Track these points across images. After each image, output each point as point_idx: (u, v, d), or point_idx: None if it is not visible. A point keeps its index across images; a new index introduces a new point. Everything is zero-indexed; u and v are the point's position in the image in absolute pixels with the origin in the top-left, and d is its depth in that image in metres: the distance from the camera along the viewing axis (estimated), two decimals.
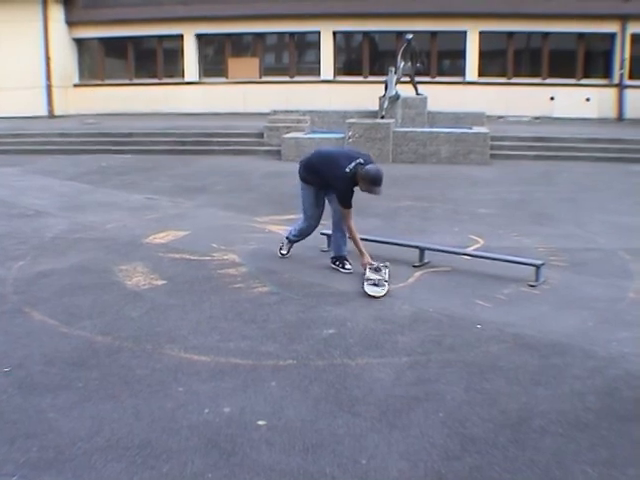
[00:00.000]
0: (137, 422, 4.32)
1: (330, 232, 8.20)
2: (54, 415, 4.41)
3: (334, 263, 7.82)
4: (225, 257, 8.27)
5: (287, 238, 8.23)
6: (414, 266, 7.81)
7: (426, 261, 7.91)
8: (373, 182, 7.17)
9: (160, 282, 7.32)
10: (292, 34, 26.29)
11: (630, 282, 7.34)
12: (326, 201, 7.87)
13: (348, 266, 7.70)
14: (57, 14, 26.00)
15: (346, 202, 7.36)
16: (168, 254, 8.42)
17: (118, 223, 10.16)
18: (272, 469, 3.82)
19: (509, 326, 6.02)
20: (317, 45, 25.99)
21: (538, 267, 7.26)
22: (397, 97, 18.68)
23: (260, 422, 4.32)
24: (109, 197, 12.44)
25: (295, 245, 8.24)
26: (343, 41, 27.04)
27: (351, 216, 7.42)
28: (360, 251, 7.47)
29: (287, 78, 26.13)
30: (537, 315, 6.35)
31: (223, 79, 26.42)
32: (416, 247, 8.03)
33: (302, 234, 8.11)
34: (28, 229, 9.85)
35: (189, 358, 5.34)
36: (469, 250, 8.36)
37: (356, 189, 7.40)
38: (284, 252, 8.21)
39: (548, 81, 24.70)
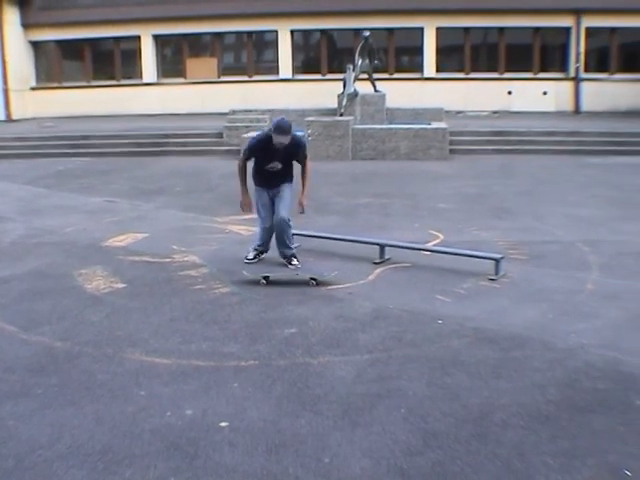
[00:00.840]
0: (98, 427, 4.28)
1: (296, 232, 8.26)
2: (13, 423, 4.36)
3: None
4: (185, 258, 8.24)
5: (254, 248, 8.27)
6: (374, 263, 7.83)
7: (386, 257, 7.93)
8: (274, 129, 7.50)
9: (120, 285, 7.27)
10: (250, 33, 26.21)
11: (588, 274, 7.42)
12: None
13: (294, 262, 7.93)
14: (12, 17, 25.70)
15: (243, 151, 8.02)
16: (128, 257, 8.37)
17: (77, 227, 10.08)
18: (235, 470, 3.81)
19: (469, 320, 6.05)
20: (275, 44, 25.94)
21: (497, 261, 7.31)
22: (355, 94, 18.71)
23: (222, 424, 4.31)
24: (67, 201, 12.33)
25: (254, 244, 8.21)
26: (301, 39, 27.03)
27: (240, 164, 7.93)
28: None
29: (246, 77, 26.07)
30: (497, 309, 6.40)
31: (181, 80, 26.27)
32: (376, 244, 8.05)
33: (262, 239, 8.16)
34: None
35: (150, 361, 5.31)
36: (429, 245, 8.41)
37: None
38: (250, 257, 8.14)
39: (505, 75, 24.88)
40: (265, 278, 7.24)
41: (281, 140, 7.49)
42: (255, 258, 8.10)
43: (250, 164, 7.83)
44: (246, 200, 7.99)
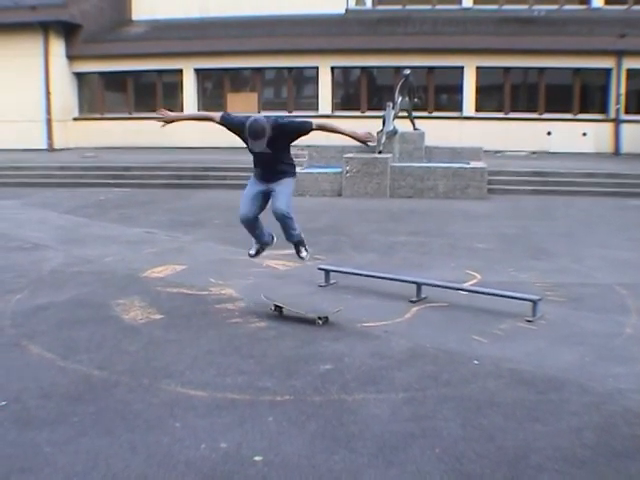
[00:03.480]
0: (133, 457, 4.31)
1: (327, 267, 8.24)
2: (50, 449, 4.40)
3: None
4: (223, 291, 8.28)
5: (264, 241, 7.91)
6: (411, 301, 7.81)
7: (423, 296, 7.91)
8: (249, 133, 6.79)
9: (157, 316, 7.32)
10: (290, 69, 26.47)
11: (627, 317, 7.34)
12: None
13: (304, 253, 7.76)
14: (58, 49, 26.22)
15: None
16: (166, 288, 8.43)
17: (116, 257, 10.18)
18: None
19: (506, 361, 6.01)
20: (315, 80, 26.17)
21: (535, 302, 7.26)
22: (395, 132, 18.78)
23: (257, 458, 4.31)
24: (107, 230, 12.47)
25: (292, 280, 8.24)
26: (341, 76, 27.23)
27: (211, 115, 7.68)
28: None
29: (286, 113, 26.23)
30: (534, 350, 6.35)
31: None
32: (413, 282, 8.03)
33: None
34: (26, 262, 9.86)
35: (186, 393, 5.34)
36: (466, 285, 8.38)
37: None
38: (252, 252, 7.94)
39: (545, 116, 24.85)
40: (278, 308, 7.27)
41: (257, 147, 6.83)
42: (258, 253, 7.90)
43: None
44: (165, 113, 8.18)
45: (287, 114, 26.03)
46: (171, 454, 4.35)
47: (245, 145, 7.10)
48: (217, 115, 7.42)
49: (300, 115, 25.27)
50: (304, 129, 7.06)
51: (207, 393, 5.33)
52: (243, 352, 6.24)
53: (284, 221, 7.28)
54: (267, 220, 7.52)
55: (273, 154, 7.01)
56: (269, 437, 4.58)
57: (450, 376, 5.70)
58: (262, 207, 7.42)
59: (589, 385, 5.51)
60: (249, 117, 6.89)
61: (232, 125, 7.20)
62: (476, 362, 6.01)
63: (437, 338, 6.64)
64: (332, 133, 7.48)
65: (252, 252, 7.90)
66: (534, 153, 23.69)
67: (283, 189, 7.24)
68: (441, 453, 4.38)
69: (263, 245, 7.81)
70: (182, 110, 26.49)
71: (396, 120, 18.95)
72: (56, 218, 13.95)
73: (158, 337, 6.66)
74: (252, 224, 7.48)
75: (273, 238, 7.84)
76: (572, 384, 5.53)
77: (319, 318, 7.03)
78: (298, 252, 7.72)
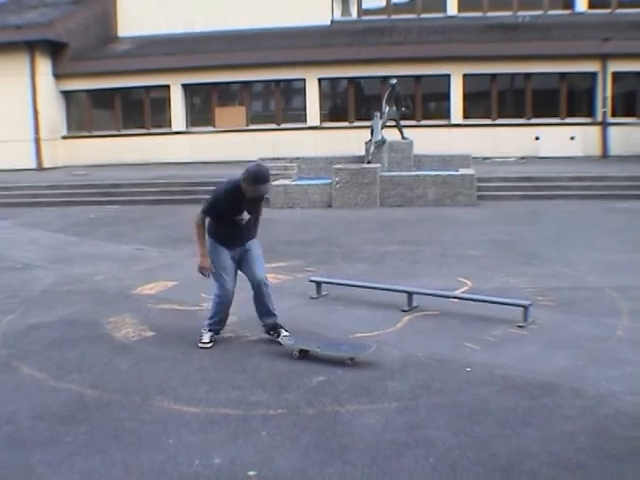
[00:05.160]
0: (126, 476, 4.30)
1: (319, 279, 8.22)
2: (43, 470, 4.39)
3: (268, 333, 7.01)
4: None
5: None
6: (403, 311, 7.81)
7: (414, 305, 7.92)
8: (254, 180, 6.36)
9: (149, 333, 7.32)
10: (278, 82, 26.50)
11: (618, 320, 7.36)
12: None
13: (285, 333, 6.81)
14: (44, 67, 26.22)
15: (205, 206, 6.72)
16: (157, 305, 8.43)
17: (107, 275, 10.17)
18: None
19: (498, 368, 6.02)
20: (302, 92, 26.20)
21: (526, 307, 7.28)
22: (383, 142, 18.83)
23: (251, 472, 4.30)
24: (97, 248, 12.46)
25: (283, 293, 8.19)
26: (328, 87, 27.27)
27: (199, 222, 6.74)
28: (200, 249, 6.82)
29: (274, 126, 26.29)
30: (526, 356, 6.36)
31: (210, 128, 26.54)
32: (404, 292, 8.04)
33: (220, 313, 6.96)
34: (17, 282, 9.85)
35: (179, 409, 5.33)
36: (457, 293, 8.39)
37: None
38: (206, 340, 6.88)
39: (532, 121, 24.91)
40: (301, 351, 6.43)
41: (263, 190, 6.48)
42: (211, 342, 6.83)
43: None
44: (207, 262, 6.80)
45: (275, 126, 26.12)
46: (164, 471, 4.34)
47: (226, 216, 6.65)
48: (204, 214, 6.74)
49: (288, 128, 25.41)
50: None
51: (200, 409, 5.33)
52: (235, 367, 6.24)
53: (265, 291, 6.85)
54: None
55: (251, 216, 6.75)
56: (263, 451, 4.58)
57: (443, 384, 5.71)
58: None
59: (581, 389, 5.52)
60: (229, 184, 6.64)
61: (225, 203, 6.60)
62: (468, 369, 6.02)
63: (429, 347, 6.64)
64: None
65: (205, 339, 6.88)
66: (523, 158, 23.74)
67: (257, 252, 6.91)
68: (435, 462, 4.38)
69: (274, 320, 6.97)
70: (170, 126, 26.57)
71: (384, 130, 19.01)
72: (47, 237, 13.93)
73: (150, 354, 6.65)
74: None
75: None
76: (564, 388, 5.54)
77: (350, 359, 6.22)
78: (278, 334, 6.81)
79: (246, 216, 6.62)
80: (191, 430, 4.94)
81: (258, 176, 6.35)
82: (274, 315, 6.90)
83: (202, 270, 6.84)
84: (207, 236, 6.77)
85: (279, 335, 6.76)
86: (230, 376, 6.02)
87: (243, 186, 6.44)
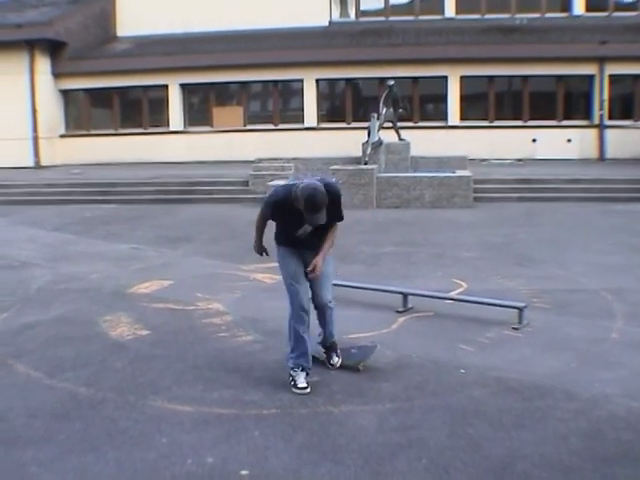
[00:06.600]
0: (119, 474, 4.30)
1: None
2: (36, 469, 4.39)
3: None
4: (210, 306, 8.27)
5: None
6: (397, 312, 7.82)
7: (410, 306, 7.92)
8: (305, 207, 5.29)
9: (144, 332, 7.31)
10: (275, 82, 26.50)
11: (613, 322, 7.37)
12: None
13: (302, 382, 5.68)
14: (44, 66, 26.24)
15: (262, 209, 5.84)
16: (152, 304, 8.42)
17: (102, 273, 10.17)
18: None
19: (492, 370, 6.03)
20: (300, 92, 26.21)
21: (521, 309, 7.29)
22: (380, 143, 18.82)
23: (243, 472, 4.31)
24: (94, 247, 12.45)
25: (279, 293, 7.18)
26: (326, 88, 27.26)
27: (262, 222, 5.97)
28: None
29: (271, 126, 26.29)
30: (520, 358, 6.36)
31: (208, 128, 26.55)
32: (399, 293, 8.04)
33: (301, 340, 5.78)
34: (14, 280, 9.84)
35: (172, 408, 5.33)
36: (452, 294, 8.39)
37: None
38: (303, 385, 5.65)
39: (529, 123, 24.95)
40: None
41: (314, 220, 5.37)
42: (308, 385, 5.64)
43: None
44: (261, 245, 6.13)
45: (273, 127, 26.12)
46: (157, 470, 4.35)
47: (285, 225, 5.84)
48: (264, 215, 5.89)
49: (286, 128, 25.41)
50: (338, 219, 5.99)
51: (194, 408, 5.33)
52: (230, 366, 6.24)
53: (328, 314, 6.07)
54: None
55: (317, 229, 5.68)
56: (255, 451, 4.58)
57: (436, 386, 5.71)
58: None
59: (575, 391, 5.52)
60: (283, 191, 5.64)
61: (280, 210, 5.65)
62: (462, 371, 6.02)
63: (423, 348, 6.65)
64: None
65: (303, 384, 5.64)
66: (519, 160, 23.75)
67: (329, 269, 6.01)
68: (428, 463, 4.38)
69: (332, 338, 6.24)
70: (168, 125, 26.58)
71: (381, 131, 19.01)
72: (43, 236, 13.92)
73: (145, 353, 6.65)
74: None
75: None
76: (558, 390, 5.54)
77: (362, 365, 6.11)
78: (329, 358, 6.20)
79: (308, 228, 5.60)
80: (184, 429, 4.95)
81: (308, 204, 5.27)
82: (332, 335, 6.17)
83: (256, 249, 6.20)
84: (275, 243, 6.00)
85: (329, 359, 6.19)
86: (224, 375, 6.02)
87: (301, 208, 5.37)
